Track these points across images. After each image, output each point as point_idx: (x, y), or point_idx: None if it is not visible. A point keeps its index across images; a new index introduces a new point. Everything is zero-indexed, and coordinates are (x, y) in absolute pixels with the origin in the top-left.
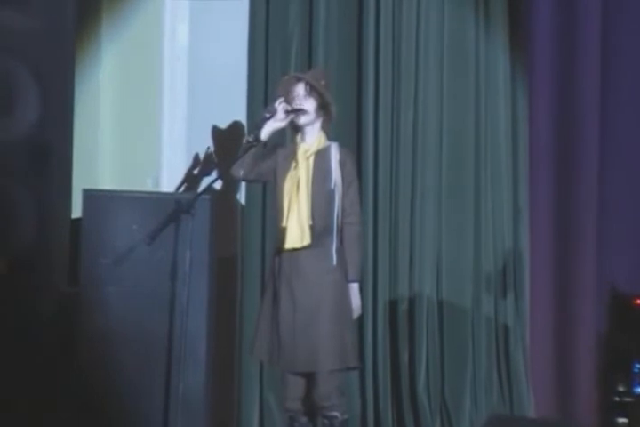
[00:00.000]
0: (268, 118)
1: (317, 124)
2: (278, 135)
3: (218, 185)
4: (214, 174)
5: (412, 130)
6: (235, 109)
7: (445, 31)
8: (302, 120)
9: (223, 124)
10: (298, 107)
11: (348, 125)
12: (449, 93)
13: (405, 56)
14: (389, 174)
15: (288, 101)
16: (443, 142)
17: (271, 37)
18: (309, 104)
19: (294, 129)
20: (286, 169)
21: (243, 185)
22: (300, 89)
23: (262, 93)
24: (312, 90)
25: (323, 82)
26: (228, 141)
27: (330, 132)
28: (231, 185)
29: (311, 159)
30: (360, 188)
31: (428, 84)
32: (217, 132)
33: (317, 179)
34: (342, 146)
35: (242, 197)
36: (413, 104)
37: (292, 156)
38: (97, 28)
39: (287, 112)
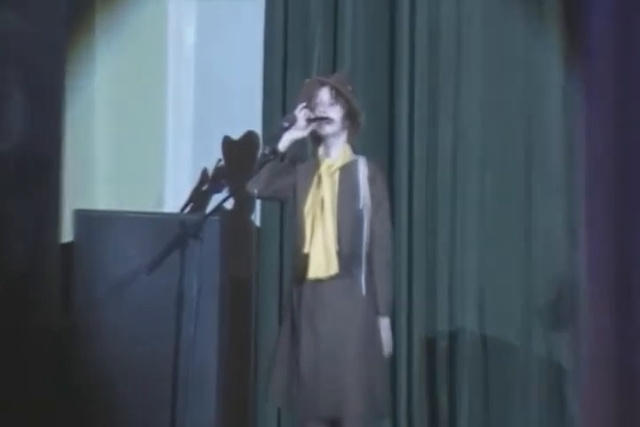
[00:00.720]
0: (288, 128)
1: (343, 136)
2: (298, 147)
3: (229, 204)
4: (225, 192)
5: (452, 143)
6: (248, 118)
7: (490, 32)
8: (326, 130)
9: (235, 135)
10: (322, 115)
11: (378, 137)
12: (494, 103)
13: (444, 60)
14: (425, 193)
15: (310, 108)
16: (487, 159)
17: (290, 38)
18: (335, 112)
19: (316, 141)
20: (308, 187)
21: (258, 203)
22: (325, 95)
23: (280, 100)
24: (338, 96)
25: (350, 87)
26: (241, 154)
27: (357, 144)
28: (245, 203)
29: (336, 175)
30: (391, 208)
31: (470, 91)
32: (228, 144)
33: (343, 198)
34: (371, 160)
35: (257, 217)
36: (453, 114)
37: (314, 171)
38: (90, 32)
39: (309, 120)
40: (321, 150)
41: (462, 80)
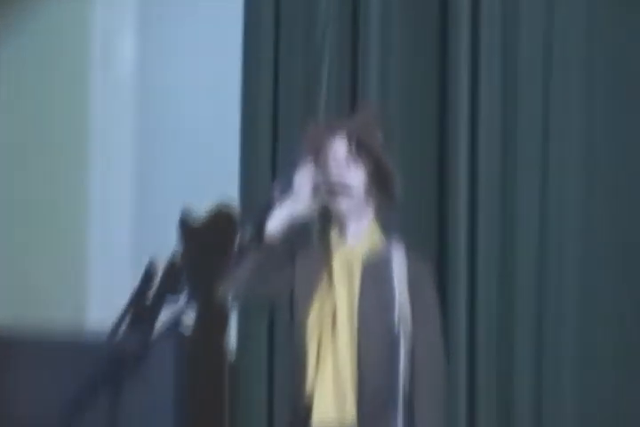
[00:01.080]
0: (281, 200)
1: (368, 212)
2: (299, 228)
3: (190, 318)
4: (183, 298)
5: (540, 221)
6: (218, 177)
7: (596, 37)
8: (343, 204)
9: (198, 207)
10: (335, 180)
11: (425, 212)
12: (605, 147)
13: (525, 77)
14: (498, 303)
15: (318, 169)
16: (588, 241)
17: (284, 50)
18: (355, 176)
19: (327, 219)
20: (312, 288)
21: (234, 317)
22: (340, 149)
23: (267, 148)
24: (361, 150)
25: (379, 135)
26: (208, 239)
27: (391, 224)
28: (214, 318)
29: (357, 272)
30: (445, 326)
31: (566, 133)
32: (187, 222)
33: (368, 307)
34: (413, 250)
35: (232, 338)
36: (541, 167)
37: (324, 265)
38: None
39: (316, 189)
40: (335, 233)
41: (554, 110)
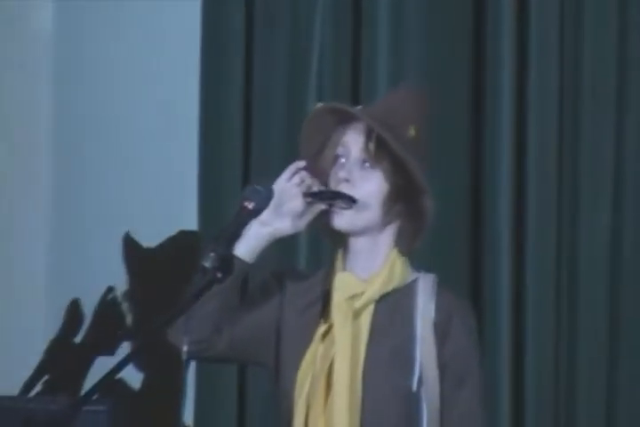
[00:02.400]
0: (254, 212)
1: (386, 235)
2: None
3: (132, 374)
4: (123, 349)
5: (610, 251)
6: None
7: None
8: (345, 222)
9: (144, 237)
10: (341, 191)
11: (460, 236)
12: None
13: (590, 72)
14: (552, 357)
15: (316, 171)
16: None
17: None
18: (369, 186)
19: (333, 238)
20: (303, 334)
21: (192, 372)
22: (354, 145)
23: (239, 163)
24: (383, 151)
25: (412, 130)
26: (156, 268)
27: (416, 252)
28: (166, 373)
29: (367, 316)
30: (484, 384)
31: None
32: (132, 249)
33: (378, 363)
34: (444, 286)
35: (189, 402)
36: (613, 179)
37: (321, 305)
38: None
39: (311, 197)
40: (339, 259)
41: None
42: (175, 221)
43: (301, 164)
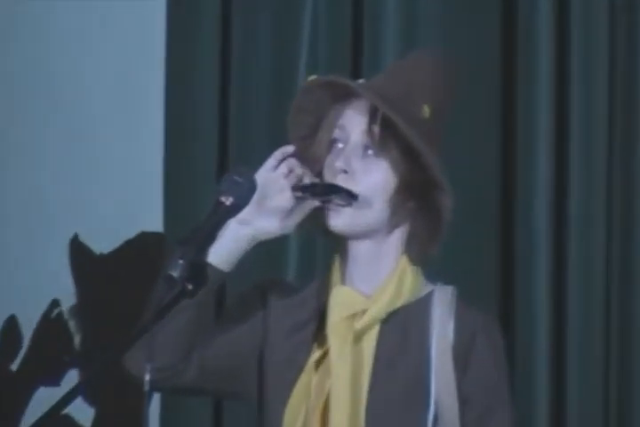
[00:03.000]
0: (232, 210)
1: (395, 238)
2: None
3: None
4: (68, 377)
5: None
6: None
7: None
8: (343, 223)
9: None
10: (338, 184)
11: (488, 241)
12: None
13: None
14: (602, 383)
15: (309, 160)
16: None
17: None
18: (372, 178)
19: (335, 239)
20: (293, 363)
21: (155, 405)
22: (355, 128)
23: (213, 140)
24: (390, 136)
25: (426, 109)
26: (112, 282)
27: (432, 261)
28: (123, 407)
29: (371, 340)
30: (516, 420)
31: None
32: (83, 254)
33: (384, 396)
34: (466, 301)
35: None
36: None
37: (313, 323)
38: None
39: (302, 193)
40: (335, 269)
41: None
42: (135, 220)
43: (290, 149)
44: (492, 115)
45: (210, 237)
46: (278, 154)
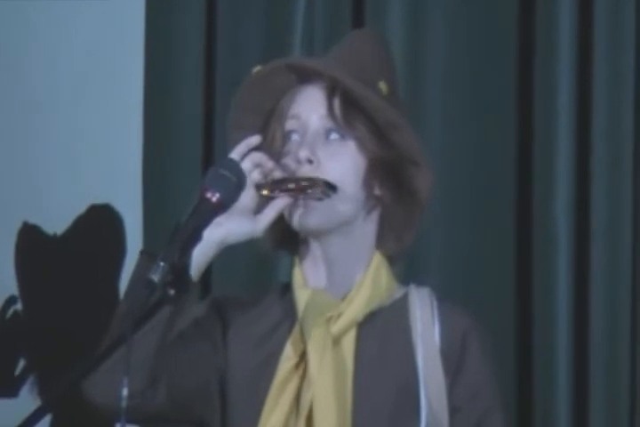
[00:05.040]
0: (219, 207)
1: (367, 231)
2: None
3: None
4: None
5: None
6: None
7: None
8: (312, 220)
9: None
10: (300, 173)
11: (501, 245)
12: None
13: None
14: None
15: (271, 151)
16: None
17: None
18: (338, 165)
19: (280, 243)
20: (264, 376)
21: None
22: (312, 108)
23: (197, 130)
24: (355, 116)
25: (382, 85)
26: (74, 282)
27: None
28: None
29: (348, 342)
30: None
31: None
32: (37, 250)
33: (370, 407)
34: (446, 301)
35: None
36: None
37: (283, 330)
38: None
39: (270, 190)
40: (297, 273)
41: None
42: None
43: (255, 140)
44: (508, 102)
45: (194, 237)
46: (242, 146)
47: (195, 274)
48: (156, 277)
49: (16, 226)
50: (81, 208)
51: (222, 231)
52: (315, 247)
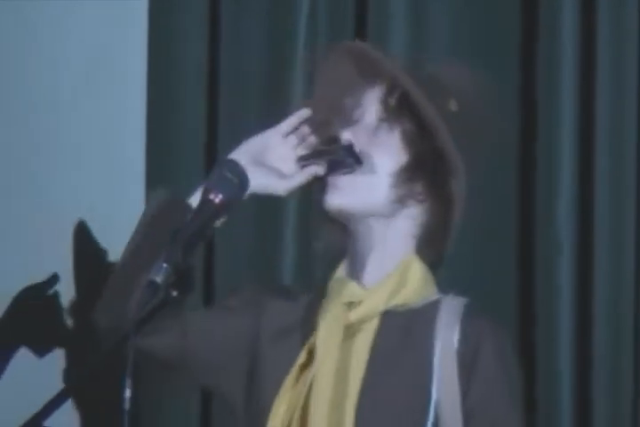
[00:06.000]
0: (222, 209)
1: (401, 226)
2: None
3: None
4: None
5: None
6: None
7: None
8: (340, 198)
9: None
10: (336, 147)
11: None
12: None
13: None
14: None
15: (317, 126)
16: None
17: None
18: (381, 150)
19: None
20: (279, 370)
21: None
22: (372, 100)
23: (202, 126)
24: (405, 111)
25: (452, 103)
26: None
27: (440, 262)
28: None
29: (367, 334)
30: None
31: None
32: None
33: (376, 407)
34: (475, 311)
35: None
36: None
37: (306, 327)
38: None
39: (305, 161)
40: (340, 268)
41: None
42: (114, 217)
43: (306, 113)
44: (510, 103)
45: (197, 238)
46: (294, 118)
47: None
48: (158, 279)
49: (15, 226)
50: (83, 210)
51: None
52: (354, 239)
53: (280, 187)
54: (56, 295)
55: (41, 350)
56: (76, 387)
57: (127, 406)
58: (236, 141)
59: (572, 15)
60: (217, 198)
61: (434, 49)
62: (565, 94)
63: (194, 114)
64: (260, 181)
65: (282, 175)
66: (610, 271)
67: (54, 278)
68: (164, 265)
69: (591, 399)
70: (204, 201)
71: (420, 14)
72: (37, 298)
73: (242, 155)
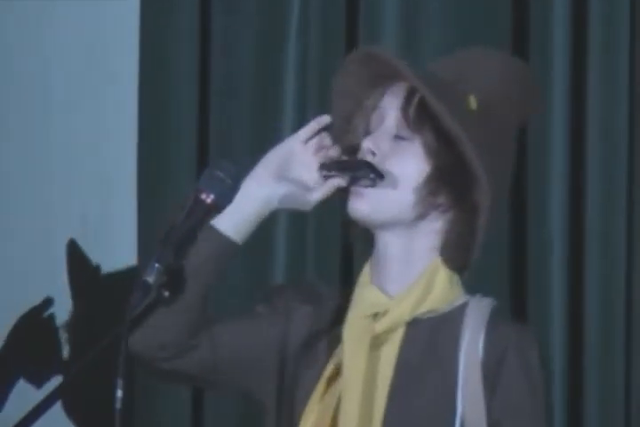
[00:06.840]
0: (214, 209)
1: (426, 235)
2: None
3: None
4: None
5: None
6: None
7: None
8: (364, 206)
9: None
10: (359, 159)
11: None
12: None
13: None
14: None
15: (338, 134)
16: None
17: None
18: (404, 159)
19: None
20: (310, 377)
21: None
22: (392, 106)
23: (192, 129)
24: (425, 122)
25: (471, 101)
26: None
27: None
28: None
29: (393, 344)
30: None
31: None
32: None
33: (402, 416)
34: (502, 315)
35: None
36: None
37: (334, 330)
38: None
39: (327, 171)
40: (366, 273)
41: None
42: (106, 219)
43: (326, 120)
44: None
45: (188, 238)
46: (314, 124)
47: (241, 238)
48: (150, 279)
49: (13, 228)
50: (76, 210)
51: (268, 190)
52: (379, 246)
53: (305, 200)
54: (51, 319)
55: (39, 380)
56: (68, 386)
57: (119, 405)
58: (228, 142)
59: (564, 12)
60: (209, 199)
61: (425, 50)
62: (557, 93)
63: (186, 114)
64: (285, 195)
65: (306, 187)
66: (601, 271)
67: (48, 302)
68: (156, 265)
69: (583, 400)
70: (196, 201)
71: (412, 17)
72: (34, 326)
73: (268, 166)
